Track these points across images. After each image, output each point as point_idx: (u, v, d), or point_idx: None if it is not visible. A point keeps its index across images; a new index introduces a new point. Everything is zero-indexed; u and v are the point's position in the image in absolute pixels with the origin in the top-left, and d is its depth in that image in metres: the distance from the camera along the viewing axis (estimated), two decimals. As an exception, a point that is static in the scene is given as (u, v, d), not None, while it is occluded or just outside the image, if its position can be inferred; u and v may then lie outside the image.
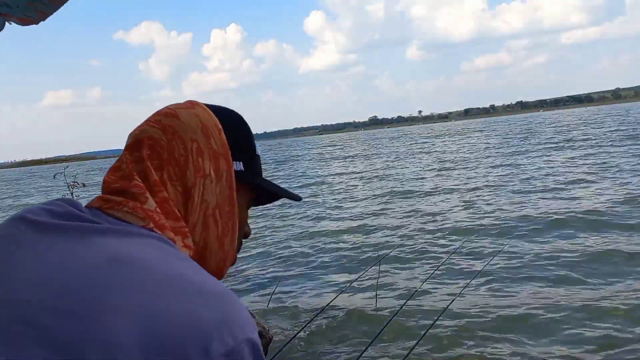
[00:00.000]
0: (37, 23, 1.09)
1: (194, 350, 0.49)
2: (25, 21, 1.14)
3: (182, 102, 0.74)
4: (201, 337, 0.50)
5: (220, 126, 0.71)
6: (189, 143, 0.67)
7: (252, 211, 0.84)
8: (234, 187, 0.71)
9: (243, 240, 0.80)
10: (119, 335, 0.47)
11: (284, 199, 0.83)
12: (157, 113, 0.71)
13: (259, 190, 0.78)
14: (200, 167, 0.67)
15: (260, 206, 0.86)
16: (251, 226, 0.82)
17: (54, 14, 1.22)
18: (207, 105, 0.74)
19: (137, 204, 0.63)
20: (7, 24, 1.08)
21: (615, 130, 26.19)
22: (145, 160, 0.66)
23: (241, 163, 0.73)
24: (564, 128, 35.52)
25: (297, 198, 0.82)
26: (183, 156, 0.67)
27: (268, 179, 0.81)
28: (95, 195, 0.68)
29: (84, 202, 0.67)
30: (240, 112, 0.78)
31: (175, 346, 0.48)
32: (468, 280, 3.62)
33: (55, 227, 0.58)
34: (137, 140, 0.68)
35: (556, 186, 10.26)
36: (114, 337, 0.47)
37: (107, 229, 0.58)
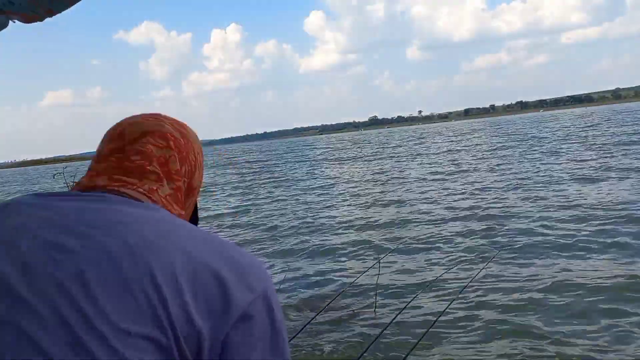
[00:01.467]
0: (42, 20, 1.08)
1: (235, 286, 0.59)
2: (29, 18, 1.13)
3: (168, 114, 0.86)
4: (240, 276, 0.60)
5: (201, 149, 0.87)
6: (198, 154, 0.81)
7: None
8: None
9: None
10: (175, 267, 0.58)
11: None
12: (167, 117, 0.81)
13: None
14: (201, 175, 0.83)
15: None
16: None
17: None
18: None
19: (153, 188, 0.71)
20: (10, 22, 1.07)
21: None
22: (173, 150, 0.75)
23: None
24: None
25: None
26: (194, 161, 0.80)
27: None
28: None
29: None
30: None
31: (216, 282, 0.59)
32: (468, 281, 3.62)
33: (83, 196, 0.65)
34: (163, 132, 0.77)
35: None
36: (173, 267, 0.58)
37: (137, 204, 0.66)
